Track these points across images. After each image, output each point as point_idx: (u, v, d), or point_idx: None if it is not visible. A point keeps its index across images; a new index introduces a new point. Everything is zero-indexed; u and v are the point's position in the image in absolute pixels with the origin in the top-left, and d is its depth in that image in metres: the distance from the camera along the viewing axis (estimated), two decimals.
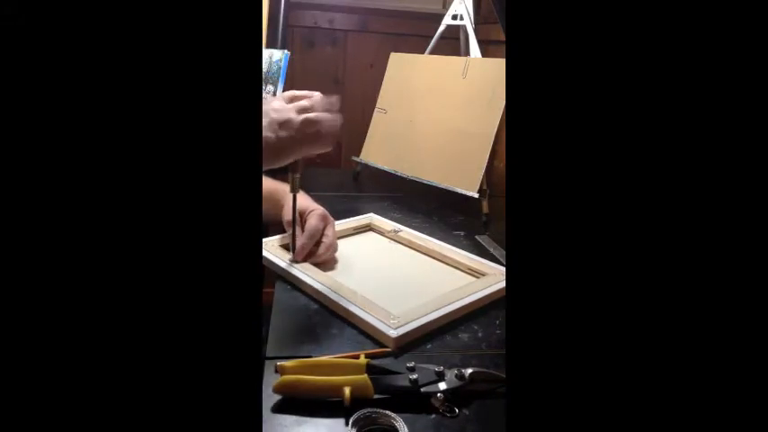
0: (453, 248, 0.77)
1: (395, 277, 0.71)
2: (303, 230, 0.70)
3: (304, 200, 0.74)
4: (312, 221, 0.70)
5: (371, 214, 0.90)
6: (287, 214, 0.71)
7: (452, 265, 0.75)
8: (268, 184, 0.81)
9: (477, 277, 0.70)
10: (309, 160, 0.63)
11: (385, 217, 0.89)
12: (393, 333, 0.53)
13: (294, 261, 0.68)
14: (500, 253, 0.80)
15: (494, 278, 0.68)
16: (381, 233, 0.86)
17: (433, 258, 0.77)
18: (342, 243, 0.77)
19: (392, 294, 0.64)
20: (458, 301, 0.61)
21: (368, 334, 0.55)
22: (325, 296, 0.61)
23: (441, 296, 0.61)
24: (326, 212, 0.73)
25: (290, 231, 0.70)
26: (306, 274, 0.65)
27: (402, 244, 0.82)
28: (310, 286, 0.63)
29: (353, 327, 0.57)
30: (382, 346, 0.53)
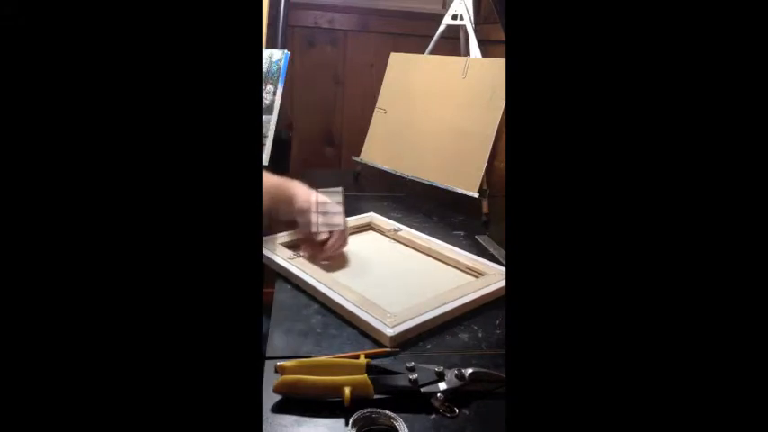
0: (453, 248, 0.77)
1: (394, 276, 0.72)
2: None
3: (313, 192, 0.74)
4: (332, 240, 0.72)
5: (372, 213, 0.90)
6: (303, 203, 0.72)
7: (452, 265, 0.75)
8: (273, 180, 0.80)
9: (476, 277, 0.70)
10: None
11: (385, 217, 0.89)
12: (390, 331, 0.53)
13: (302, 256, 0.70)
14: (500, 253, 0.80)
15: (492, 278, 0.68)
16: (381, 232, 0.86)
17: (433, 258, 0.77)
18: (353, 241, 0.78)
19: (391, 293, 0.64)
20: (455, 300, 0.61)
21: (365, 332, 0.55)
22: (323, 294, 0.61)
23: (438, 295, 0.62)
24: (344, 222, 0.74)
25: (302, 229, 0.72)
26: (304, 272, 0.66)
27: (402, 243, 0.82)
28: (309, 284, 0.63)
29: (353, 326, 0.57)
30: (380, 344, 0.54)
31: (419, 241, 0.80)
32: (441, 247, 0.78)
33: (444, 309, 0.59)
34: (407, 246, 0.81)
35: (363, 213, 0.90)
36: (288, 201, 0.75)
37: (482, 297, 0.63)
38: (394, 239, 0.83)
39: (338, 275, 0.67)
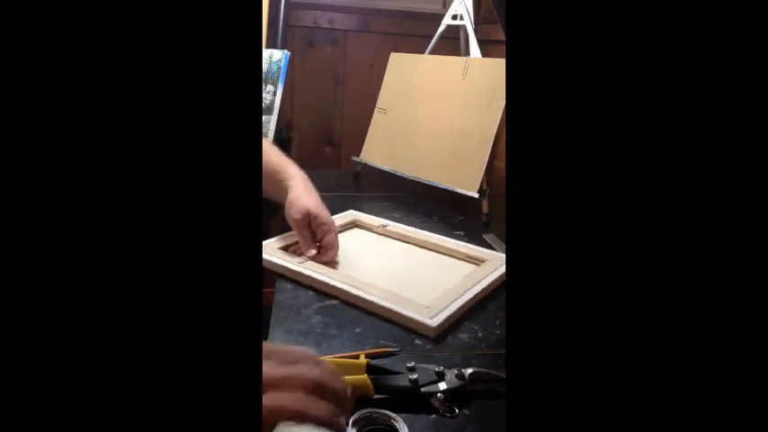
0: (443, 237, 0.79)
1: (401, 270, 0.72)
2: (311, 233, 0.71)
3: (310, 199, 0.72)
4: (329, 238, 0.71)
5: (351, 211, 0.90)
6: (295, 213, 0.70)
7: (448, 255, 0.77)
8: (274, 160, 0.77)
9: (478, 264, 0.73)
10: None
11: (385, 217, 0.89)
12: (432, 322, 0.55)
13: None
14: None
15: (496, 263, 0.71)
16: (369, 229, 0.86)
17: (428, 249, 0.79)
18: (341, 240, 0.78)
19: (408, 287, 0.65)
20: (476, 286, 0.64)
21: (404, 326, 0.57)
22: (348, 293, 0.61)
23: (459, 283, 0.64)
24: (330, 219, 0.72)
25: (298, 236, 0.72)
26: (319, 273, 0.66)
27: (392, 238, 0.83)
28: (329, 284, 0.63)
29: (390, 322, 0.58)
30: (420, 336, 0.56)
31: (410, 234, 0.81)
32: (431, 237, 0.80)
33: (469, 295, 0.62)
34: (399, 240, 0.82)
35: (363, 214, 0.90)
36: (281, 189, 0.74)
37: (497, 280, 0.67)
38: (383, 235, 0.84)
39: (349, 274, 0.67)
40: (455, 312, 0.58)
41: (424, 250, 0.79)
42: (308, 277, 0.66)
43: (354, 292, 0.61)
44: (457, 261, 0.75)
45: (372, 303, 0.60)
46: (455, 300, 0.60)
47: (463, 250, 0.76)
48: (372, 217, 0.88)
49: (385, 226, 0.84)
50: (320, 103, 1.54)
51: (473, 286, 0.64)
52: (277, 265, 0.69)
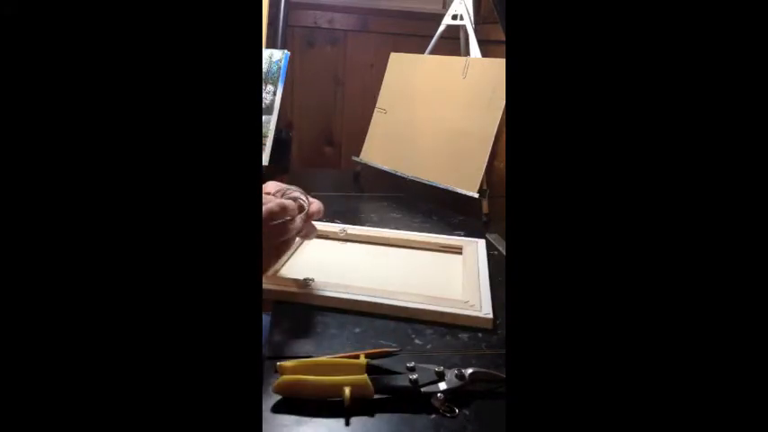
0: (408, 232, 0.80)
1: (394, 271, 0.71)
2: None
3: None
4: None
5: None
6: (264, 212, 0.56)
7: (423, 248, 0.78)
8: None
9: (458, 252, 0.75)
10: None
11: (385, 217, 0.89)
12: (488, 314, 0.57)
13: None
14: None
15: (474, 247, 0.74)
16: (327, 237, 0.80)
17: (399, 246, 0.78)
18: (302, 256, 0.73)
19: (418, 286, 0.64)
20: (481, 272, 0.67)
21: (461, 326, 0.58)
22: (380, 305, 0.59)
23: (472, 274, 0.66)
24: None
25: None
26: (334, 291, 0.61)
27: (358, 242, 0.79)
28: (353, 300, 0.59)
29: (441, 325, 0.58)
30: (475, 331, 0.57)
31: (374, 234, 0.80)
32: (398, 234, 0.80)
33: (487, 282, 0.64)
34: (366, 243, 0.79)
35: (363, 214, 0.90)
36: None
37: (492, 265, 0.71)
38: (347, 240, 0.80)
39: (349, 284, 0.63)
40: (492, 302, 0.60)
41: (398, 248, 0.77)
42: (324, 297, 0.60)
43: (388, 302, 0.59)
44: (437, 253, 0.77)
45: (413, 310, 0.58)
46: (483, 290, 0.62)
47: (435, 241, 0.78)
48: (326, 223, 0.81)
49: (345, 230, 0.80)
50: (320, 103, 1.54)
51: (479, 274, 0.66)
52: (281, 292, 0.61)
